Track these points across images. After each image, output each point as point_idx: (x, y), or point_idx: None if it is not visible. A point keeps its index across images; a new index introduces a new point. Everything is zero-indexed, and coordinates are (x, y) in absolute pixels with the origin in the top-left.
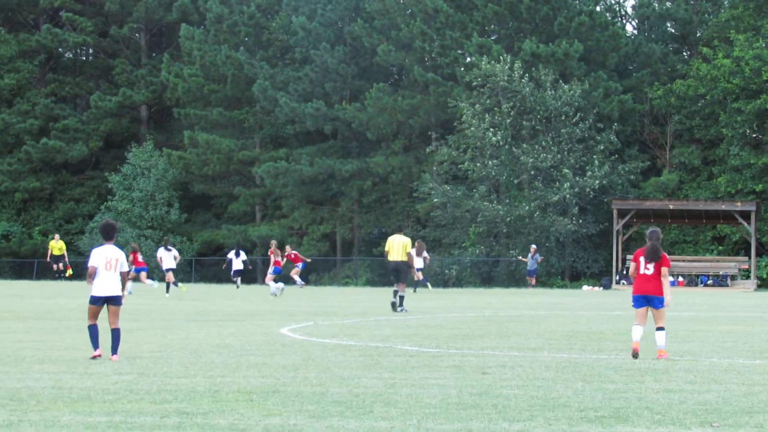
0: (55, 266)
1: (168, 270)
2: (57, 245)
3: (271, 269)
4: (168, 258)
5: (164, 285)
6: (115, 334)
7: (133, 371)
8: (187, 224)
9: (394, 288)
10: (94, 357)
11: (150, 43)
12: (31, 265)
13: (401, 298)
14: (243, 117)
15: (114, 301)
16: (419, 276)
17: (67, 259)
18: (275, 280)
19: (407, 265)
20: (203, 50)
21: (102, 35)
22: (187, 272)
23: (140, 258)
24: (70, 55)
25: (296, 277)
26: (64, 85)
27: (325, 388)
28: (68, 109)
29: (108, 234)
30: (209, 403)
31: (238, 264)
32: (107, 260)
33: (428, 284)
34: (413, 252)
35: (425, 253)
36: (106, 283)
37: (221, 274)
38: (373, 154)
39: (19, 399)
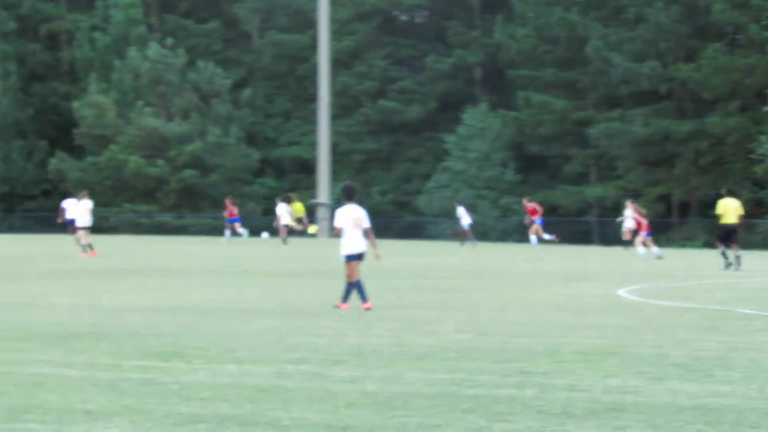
0: (296, 226)
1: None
2: (295, 207)
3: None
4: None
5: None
6: (358, 285)
7: (473, 330)
8: (522, 185)
9: (723, 249)
10: (339, 307)
11: (483, 5)
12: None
13: (738, 257)
14: (576, 78)
15: (361, 257)
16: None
17: (305, 218)
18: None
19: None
20: (536, 11)
21: None
22: (525, 233)
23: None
24: (406, 18)
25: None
26: (400, 47)
27: (663, 350)
28: (404, 71)
29: (350, 195)
30: (548, 363)
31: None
32: (353, 219)
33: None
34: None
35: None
36: (354, 241)
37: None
38: (709, 115)
39: (362, 355)
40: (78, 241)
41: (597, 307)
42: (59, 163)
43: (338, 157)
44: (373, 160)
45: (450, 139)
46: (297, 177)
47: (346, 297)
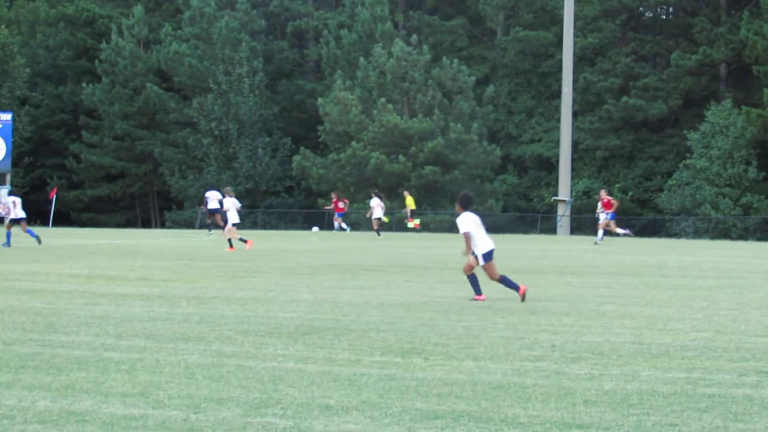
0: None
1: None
2: (408, 200)
3: None
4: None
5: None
6: (472, 278)
7: (710, 329)
8: (764, 183)
9: None
10: (476, 300)
11: (730, 1)
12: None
13: None
14: None
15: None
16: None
17: (409, 212)
18: None
19: None
20: None
21: None
22: (765, 230)
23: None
24: (651, 14)
25: None
26: (644, 43)
27: None
28: (648, 68)
29: (467, 204)
30: None
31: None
32: (474, 222)
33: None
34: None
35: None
36: (485, 240)
37: None
38: None
39: (600, 353)
40: (225, 234)
41: None
42: (302, 159)
43: (580, 154)
44: (614, 158)
45: (692, 137)
46: (538, 174)
47: (512, 285)
